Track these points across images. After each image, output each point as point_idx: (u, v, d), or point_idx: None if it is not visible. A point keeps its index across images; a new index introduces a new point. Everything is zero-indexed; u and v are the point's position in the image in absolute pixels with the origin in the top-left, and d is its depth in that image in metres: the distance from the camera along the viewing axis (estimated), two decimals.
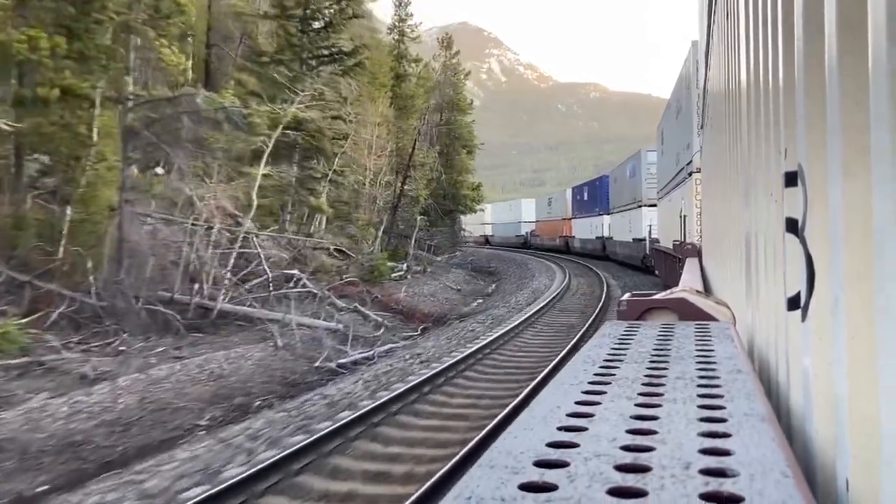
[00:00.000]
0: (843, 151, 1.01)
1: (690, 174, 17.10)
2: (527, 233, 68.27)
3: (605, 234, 42.57)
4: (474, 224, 79.47)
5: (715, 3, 5.97)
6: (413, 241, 40.13)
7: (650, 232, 28.87)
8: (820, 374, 1.20)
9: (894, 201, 0.78)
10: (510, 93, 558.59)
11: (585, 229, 48.35)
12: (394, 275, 32.01)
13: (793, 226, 1.40)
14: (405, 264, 35.85)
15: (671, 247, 19.01)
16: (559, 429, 0.98)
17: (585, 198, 48.71)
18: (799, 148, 1.36)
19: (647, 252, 28.92)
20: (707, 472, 0.80)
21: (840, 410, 1.03)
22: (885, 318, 0.81)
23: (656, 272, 25.00)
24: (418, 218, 42.55)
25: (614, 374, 1.35)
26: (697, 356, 1.54)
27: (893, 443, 0.77)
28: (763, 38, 2.09)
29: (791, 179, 1.42)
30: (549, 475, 0.80)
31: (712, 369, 1.39)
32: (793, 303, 1.43)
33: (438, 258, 43.60)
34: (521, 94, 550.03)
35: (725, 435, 0.94)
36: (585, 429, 0.98)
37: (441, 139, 53.90)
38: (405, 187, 41.48)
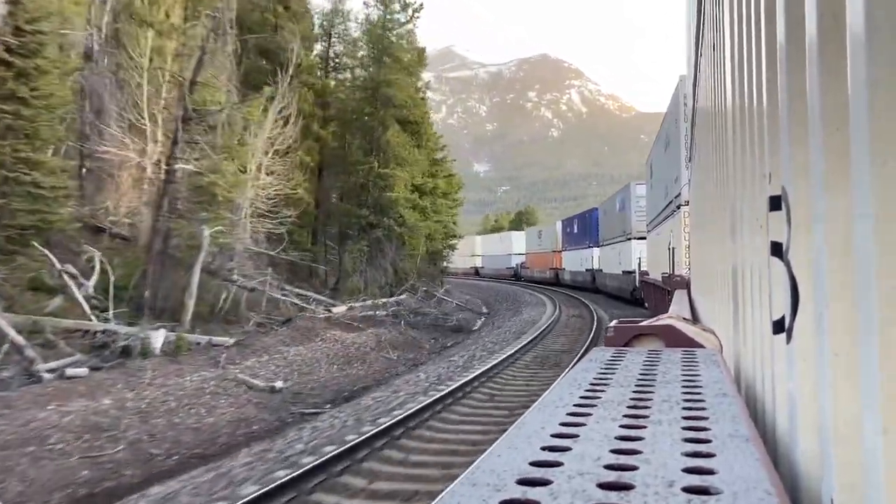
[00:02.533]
0: (824, 174, 1.02)
1: (679, 207, 17.23)
2: (517, 265, 68.39)
3: (595, 266, 42.70)
4: (464, 256, 79.65)
5: (702, 37, 6.08)
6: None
7: (640, 264, 28.98)
8: (805, 395, 1.19)
9: (873, 222, 0.78)
10: (591, 124, 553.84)
11: (575, 261, 48.49)
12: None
13: (777, 249, 1.41)
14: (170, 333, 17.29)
15: (660, 279, 19.08)
16: (543, 448, 0.98)
17: (575, 230, 48.94)
18: (783, 172, 1.37)
19: (637, 284, 28.99)
20: (690, 489, 0.79)
21: (824, 430, 1.03)
22: (865, 338, 0.81)
23: (646, 304, 25.04)
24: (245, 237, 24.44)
25: (600, 397, 1.35)
26: (683, 381, 1.54)
27: (876, 461, 0.77)
28: (748, 67, 2.12)
29: (775, 203, 1.43)
30: (532, 493, 0.79)
31: (698, 393, 1.39)
32: (778, 326, 1.43)
33: (339, 306, 26.53)
34: (602, 124, 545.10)
35: (710, 455, 0.94)
36: (570, 448, 0.97)
37: (362, 103, 36.22)
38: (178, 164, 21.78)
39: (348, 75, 39.25)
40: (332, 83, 38.11)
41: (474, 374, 15.21)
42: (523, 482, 0.83)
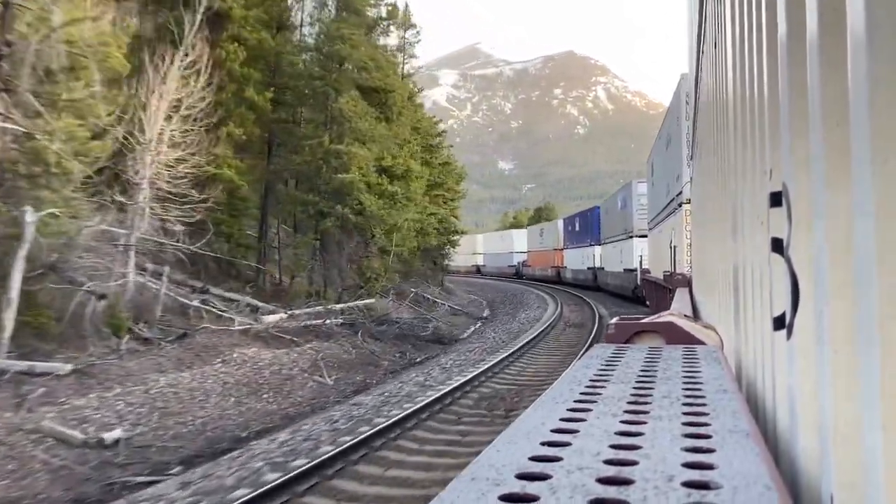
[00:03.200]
0: (825, 171, 1.02)
1: (680, 205, 17.21)
2: (518, 263, 68.37)
3: (597, 264, 42.68)
4: (466, 254, 79.66)
5: (704, 34, 6.07)
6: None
7: (641, 262, 28.96)
8: (805, 392, 1.19)
9: (874, 219, 0.78)
10: (617, 121, 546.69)
11: (577, 260, 48.47)
12: None
13: (778, 246, 1.41)
14: None
15: (661, 277, 19.07)
16: (542, 444, 0.98)
17: (577, 228, 48.91)
18: (783, 168, 1.37)
19: (638, 283, 28.98)
20: (690, 484, 0.79)
21: (824, 427, 1.03)
22: (865, 335, 0.81)
23: (647, 302, 25.03)
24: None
25: (600, 394, 1.35)
26: (684, 377, 1.54)
27: (875, 459, 0.77)
28: (749, 63, 2.12)
29: (776, 199, 1.43)
30: (531, 487, 0.79)
31: (698, 389, 1.39)
32: (778, 322, 1.43)
33: (275, 314, 21.75)
34: (629, 121, 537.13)
35: (709, 450, 0.94)
36: (569, 444, 0.97)
37: (311, 66, 30.36)
38: None
39: (301, 34, 32.32)
40: (274, 40, 29.34)
41: (412, 408, 11.88)
42: (522, 477, 0.83)
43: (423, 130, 43.55)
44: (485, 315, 34.36)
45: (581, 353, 18.50)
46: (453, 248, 48.91)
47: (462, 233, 53.26)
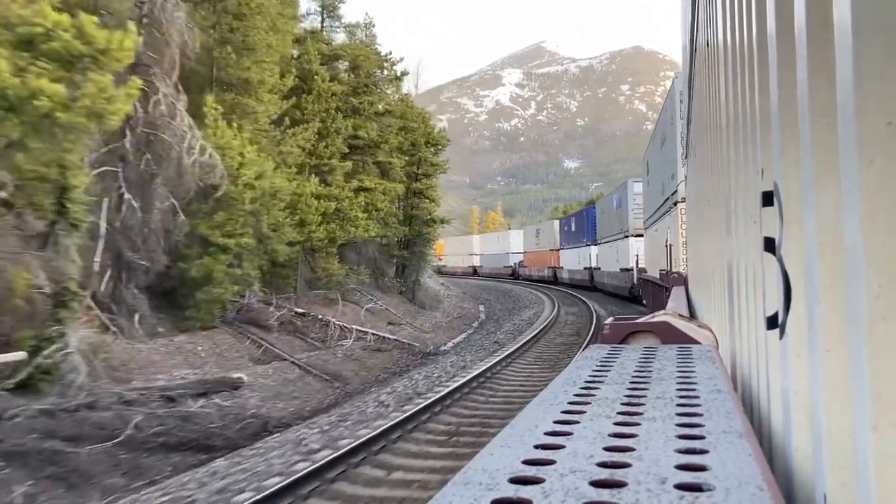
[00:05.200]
0: (814, 170, 1.03)
1: (676, 204, 17.24)
2: (515, 263, 68.36)
3: (593, 264, 42.68)
4: (462, 255, 79.69)
5: (696, 34, 6.08)
6: None
7: (637, 262, 28.98)
8: (798, 391, 1.20)
9: (861, 218, 0.79)
10: None
11: (573, 260, 48.48)
12: None
13: (770, 245, 1.42)
14: None
15: (658, 276, 19.09)
16: (536, 447, 0.98)
17: (573, 229, 48.92)
18: (774, 167, 1.38)
19: (635, 282, 29.00)
20: (683, 486, 0.80)
21: (817, 425, 1.03)
22: (854, 334, 0.82)
23: (644, 302, 25.05)
24: None
25: (594, 395, 1.35)
26: (679, 377, 1.54)
27: (866, 458, 0.77)
28: (741, 63, 2.13)
29: (768, 199, 1.44)
30: (524, 491, 0.79)
31: (692, 389, 1.39)
32: (771, 322, 1.44)
33: None
34: None
35: (703, 451, 0.94)
36: (563, 446, 0.97)
37: None
38: None
39: None
40: None
41: None
42: (516, 481, 0.83)
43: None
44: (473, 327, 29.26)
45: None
46: (426, 244, 38.52)
47: (443, 222, 42.49)
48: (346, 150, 29.87)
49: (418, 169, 37.96)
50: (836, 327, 0.94)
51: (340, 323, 22.88)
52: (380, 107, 33.77)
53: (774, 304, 1.40)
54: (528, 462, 0.90)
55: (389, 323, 26.56)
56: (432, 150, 39.46)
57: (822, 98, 0.99)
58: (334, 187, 28.21)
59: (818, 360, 1.01)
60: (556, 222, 57.06)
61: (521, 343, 20.26)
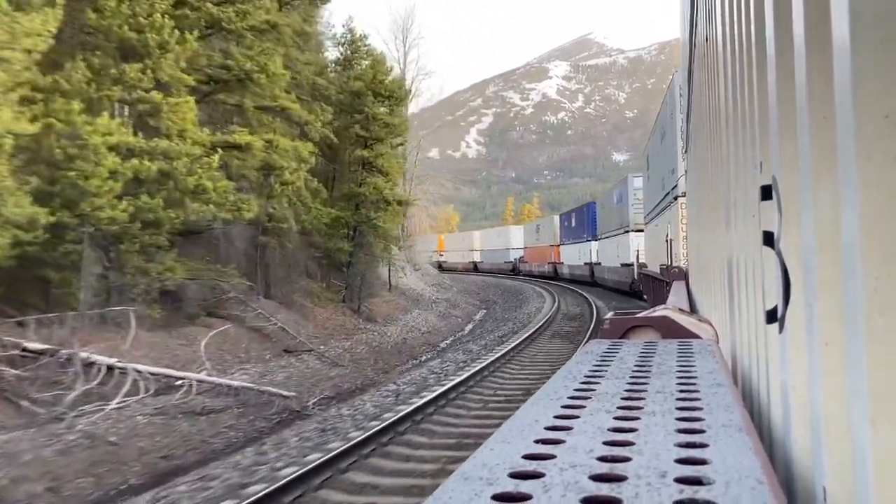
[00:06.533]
0: (813, 163, 1.03)
1: (676, 198, 17.23)
2: (515, 259, 68.34)
3: (594, 259, 42.67)
4: (463, 251, 79.67)
5: (696, 28, 6.07)
6: None
7: (638, 257, 28.97)
8: (797, 385, 1.20)
9: (858, 212, 0.79)
10: None
11: (574, 255, 48.48)
12: None
13: (769, 239, 1.42)
14: None
15: (658, 271, 19.08)
16: (536, 441, 0.98)
17: (573, 224, 48.91)
18: (773, 161, 1.38)
19: (636, 277, 28.99)
20: (683, 480, 0.80)
21: (815, 418, 1.03)
22: (852, 328, 0.82)
23: (644, 297, 25.05)
24: None
25: (594, 390, 1.35)
26: (679, 372, 1.55)
27: (864, 451, 0.77)
28: (739, 57, 2.13)
29: (766, 193, 1.44)
30: (524, 486, 0.79)
31: (692, 384, 1.39)
32: (771, 316, 1.44)
33: None
34: None
35: (703, 445, 0.94)
36: (563, 441, 0.97)
37: None
38: None
39: None
40: None
41: None
42: (515, 475, 0.83)
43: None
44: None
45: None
46: (381, 232, 28.19)
47: (402, 203, 31.31)
48: (197, 83, 18.96)
49: (365, 131, 27.49)
50: (834, 321, 0.94)
51: (124, 365, 13.12)
52: (260, 18, 21.28)
53: (774, 298, 1.40)
54: (528, 457, 0.90)
55: (286, 351, 18.35)
56: (385, 104, 28.39)
57: (821, 92, 0.99)
58: (172, 138, 17.43)
59: (817, 353, 1.01)
60: (556, 217, 57.01)
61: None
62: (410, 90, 45.51)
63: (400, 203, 31.01)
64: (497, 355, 16.59)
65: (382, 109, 28.06)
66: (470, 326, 28.34)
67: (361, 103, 27.23)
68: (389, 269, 32.53)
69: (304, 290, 24.26)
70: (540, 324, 23.63)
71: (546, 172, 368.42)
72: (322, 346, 19.80)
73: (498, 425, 1.03)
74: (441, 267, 63.79)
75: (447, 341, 23.71)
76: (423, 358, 19.83)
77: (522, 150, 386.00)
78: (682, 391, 1.32)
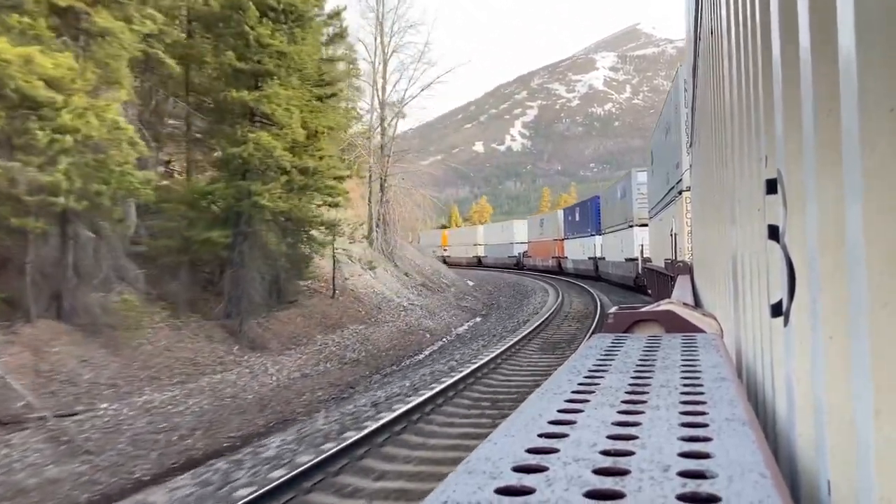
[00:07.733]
0: (817, 156, 1.03)
1: (680, 193, 17.20)
2: (519, 254, 68.39)
3: (598, 254, 42.65)
4: (467, 245, 79.72)
5: (700, 21, 6.05)
6: None
7: (642, 251, 28.94)
8: (801, 378, 1.20)
9: (863, 205, 0.79)
10: None
11: (577, 250, 48.46)
12: None
13: (774, 232, 1.42)
14: None
15: (663, 265, 19.07)
16: (540, 435, 0.98)
17: (577, 218, 48.88)
18: (777, 154, 1.37)
19: (640, 272, 28.97)
20: (686, 474, 0.80)
21: (820, 412, 1.03)
22: (856, 321, 0.82)
23: (649, 291, 25.04)
24: None
25: (598, 384, 1.35)
26: (682, 366, 1.54)
27: (868, 444, 0.77)
28: (745, 49, 2.12)
29: (771, 186, 1.43)
30: (527, 479, 0.80)
31: (696, 378, 1.39)
32: (775, 309, 1.44)
33: None
34: None
35: (706, 439, 0.94)
36: (566, 435, 0.97)
37: None
38: None
39: None
40: None
41: None
42: (519, 469, 0.83)
43: None
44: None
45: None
46: (268, 210, 18.96)
47: (342, 178, 23.65)
48: None
49: (242, 61, 18.99)
50: (839, 314, 0.94)
51: None
52: None
53: (778, 292, 1.40)
54: (531, 451, 0.90)
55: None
56: (271, 24, 19.48)
57: (826, 84, 0.99)
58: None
59: (821, 346, 1.01)
60: (560, 212, 57.01)
61: None
62: (381, 39, 41.95)
63: (338, 179, 22.95)
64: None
65: (266, 29, 19.14)
66: (428, 351, 19.79)
67: (242, 17, 18.75)
68: (334, 267, 25.02)
69: (128, 304, 15.57)
70: (539, 321, 23.55)
71: (592, 165, 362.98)
72: (93, 408, 10.65)
73: None
74: (445, 262, 63.82)
75: (373, 379, 15.10)
76: (297, 425, 11.04)
77: (568, 143, 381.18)
78: (686, 385, 1.32)
